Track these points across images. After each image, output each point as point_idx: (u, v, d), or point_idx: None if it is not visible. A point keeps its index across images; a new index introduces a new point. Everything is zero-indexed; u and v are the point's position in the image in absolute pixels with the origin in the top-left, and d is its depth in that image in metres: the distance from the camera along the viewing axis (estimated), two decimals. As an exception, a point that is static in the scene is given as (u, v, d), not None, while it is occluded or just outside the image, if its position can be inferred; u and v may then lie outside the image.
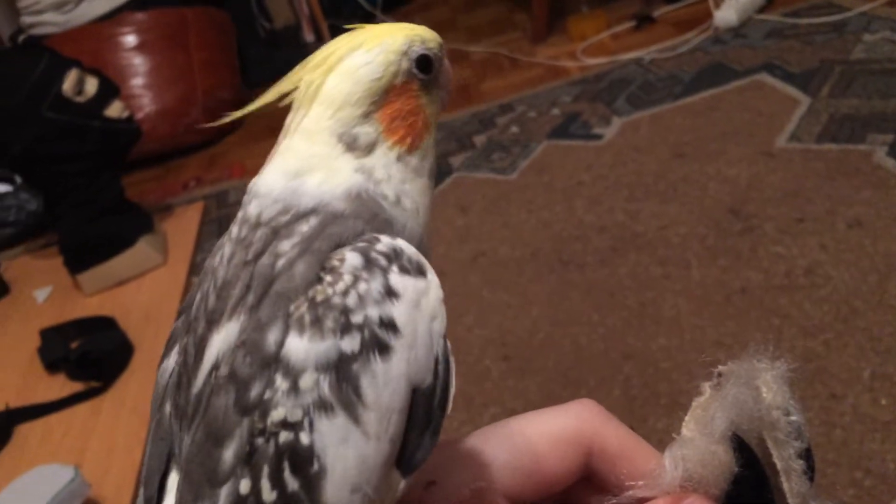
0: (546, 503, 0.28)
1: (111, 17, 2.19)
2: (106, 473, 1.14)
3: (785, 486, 0.26)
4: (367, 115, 0.29)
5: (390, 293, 0.25)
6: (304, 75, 0.30)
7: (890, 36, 1.62)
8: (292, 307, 0.25)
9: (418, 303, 0.26)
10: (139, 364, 1.38)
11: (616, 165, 1.51)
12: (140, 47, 2.19)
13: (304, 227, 0.27)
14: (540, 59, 2.11)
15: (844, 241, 1.14)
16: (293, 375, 0.24)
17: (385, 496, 0.24)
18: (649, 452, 0.27)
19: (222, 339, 0.26)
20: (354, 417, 0.23)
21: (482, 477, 0.27)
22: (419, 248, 0.28)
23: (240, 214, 0.29)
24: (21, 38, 2.16)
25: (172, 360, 0.29)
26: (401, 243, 0.27)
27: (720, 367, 0.29)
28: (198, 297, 0.28)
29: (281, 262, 0.26)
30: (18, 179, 1.86)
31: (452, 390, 0.26)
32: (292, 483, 0.23)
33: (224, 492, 0.24)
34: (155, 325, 1.47)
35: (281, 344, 0.24)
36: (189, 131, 2.22)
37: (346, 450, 0.23)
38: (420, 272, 0.26)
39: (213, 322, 0.27)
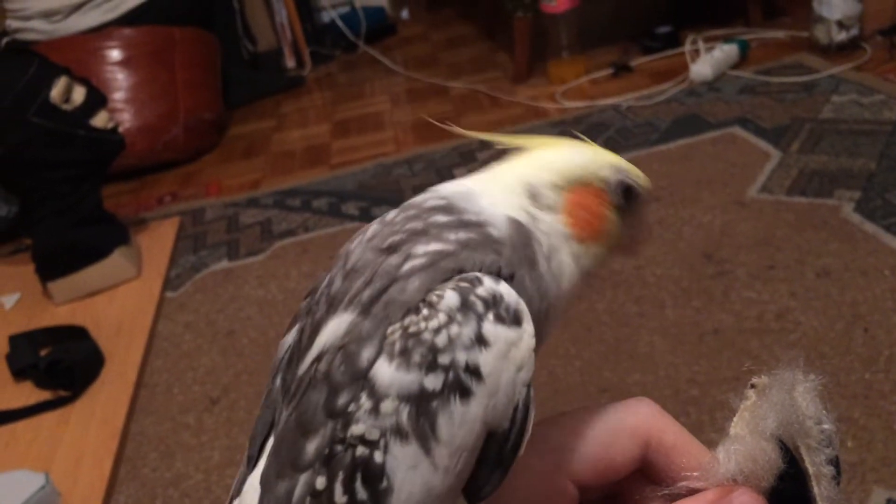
0: (604, 491, 0.30)
1: (98, 31, 2.19)
2: (74, 484, 1.13)
3: (815, 490, 0.29)
4: (556, 187, 0.31)
5: (480, 341, 0.26)
6: (527, 141, 0.33)
7: (857, 98, 1.70)
8: (390, 329, 0.26)
9: (507, 353, 0.26)
10: (110, 375, 1.36)
11: (594, 205, 1.55)
12: (125, 62, 2.19)
13: (452, 237, 0.28)
14: (520, 98, 2.16)
15: (813, 289, 1.19)
16: (376, 398, 0.25)
17: None
18: (701, 448, 0.29)
19: (332, 330, 0.28)
20: (426, 449, 0.25)
21: (553, 461, 0.29)
22: (543, 309, 0.29)
23: (404, 204, 0.31)
24: (5, 41, 2.15)
25: (290, 338, 0.31)
26: (503, 289, 0.27)
27: (754, 379, 0.31)
28: (325, 280, 0.30)
29: (406, 267, 0.28)
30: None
31: (528, 435, 0.27)
32: (362, 493, 0.25)
33: (302, 479, 0.26)
34: (127, 337, 1.46)
35: (372, 363, 0.26)
36: (168, 149, 2.22)
37: (415, 476, 0.25)
38: (516, 321, 0.27)
39: (331, 307, 0.28)
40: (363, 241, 0.30)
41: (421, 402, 0.25)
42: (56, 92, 1.47)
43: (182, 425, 1.24)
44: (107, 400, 1.30)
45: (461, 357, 0.25)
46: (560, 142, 0.33)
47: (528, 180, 0.31)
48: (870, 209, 1.33)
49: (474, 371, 0.26)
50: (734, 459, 0.27)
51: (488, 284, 0.27)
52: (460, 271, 0.27)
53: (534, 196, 0.31)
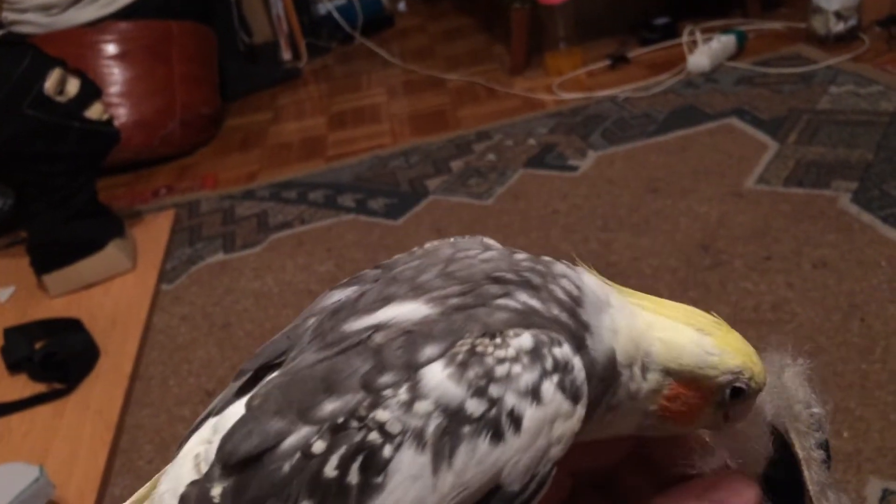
0: (596, 477, 0.30)
1: (95, 25, 2.18)
2: (69, 476, 1.13)
3: (805, 474, 0.28)
4: (664, 373, 0.29)
5: (535, 394, 0.25)
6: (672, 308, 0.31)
7: (854, 89, 1.69)
8: (460, 342, 0.26)
9: (553, 421, 0.25)
10: (105, 368, 1.36)
11: (591, 196, 1.54)
12: (122, 56, 2.18)
13: (555, 311, 0.27)
14: (517, 90, 2.15)
15: (810, 280, 1.19)
16: (415, 394, 0.25)
17: None
18: (694, 434, 0.29)
19: (405, 311, 0.27)
20: (435, 468, 0.24)
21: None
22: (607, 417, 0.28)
23: (544, 259, 0.30)
24: (0, 33, 2.14)
25: (343, 294, 0.30)
26: (577, 363, 0.26)
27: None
28: (407, 262, 0.30)
29: (500, 302, 0.27)
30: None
31: None
32: (353, 477, 0.24)
33: (303, 432, 0.25)
34: (122, 330, 1.45)
35: (429, 361, 0.25)
36: (164, 143, 2.21)
37: (411, 487, 0.24)
38: (574, 397, 0.26)
39: (414, 290, 0.28)
40: (475, 257, 0.29)
41: (453, 420, 0.24)
42: (50, 84, 1.47)
43: (177, 418, 1.24)
44: (102, 392, 1.30)
45: (511, 399, 0.25)
46: (684, 314, 0.31)
47: (643, 349, 0.29)
48: (867, 200, 1.32)
49: (516, 420, 0.25)
50: (729, 446, 0.27)
51: (566, 350, 0.26)
52: (537, 328, 0.27)
53: (645, 363, 0.29)
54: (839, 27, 1.89)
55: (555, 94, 2.05)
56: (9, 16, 2.19)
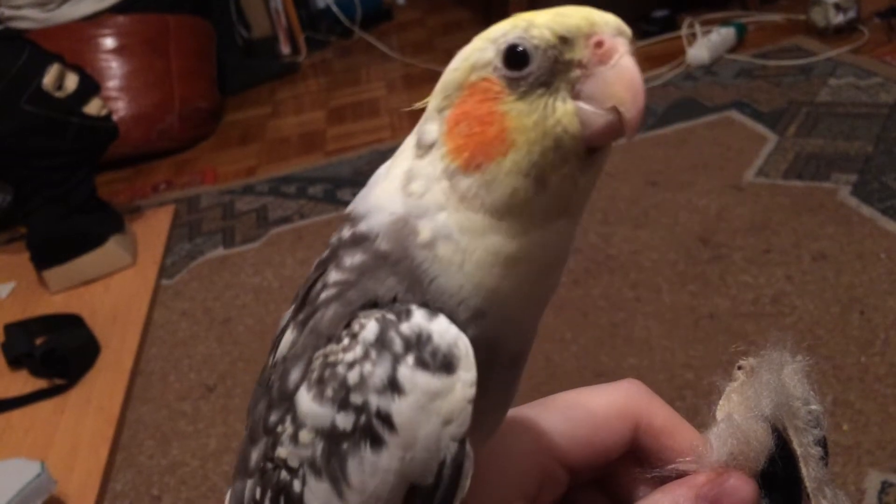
0: (594, 474, 0.30)
1: (92, 19, 2.17)
2: (70, 471, 1.13)
3: (803, 470, 0.28)
4: (440, 111, 0.25)
5: (394, 387, 0.23)
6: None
7: (854, 81, 1.69)
8: (315, 354, 0.25)
9: (427, 404, 0.23)
10: (105, 363, 1.36)
11: (590, 190, 1.54)
12: (119, 50, 2.17)
13: (348, 262, 0.25)
14: (516, 83, 2.15)
15: (809, 272, 1.19)
16: (296, 425, 0.24)
17: None
18: (691, 430, 0.29)
19: (285, 341, 0.27)
20: (338, 491, 0.23)
21: (542, 444, 0.28)
22: (465, 312, 0.24)
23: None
24: (-3, 29, 2.13)
25: (284, 319, 0.29)
26: (435, 326, 0.23)
27: (741, 361, 0.31)
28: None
29: (323, 296, 0.26)
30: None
31: (462, 494, 0.24)
32: None
33: (249, 484, 0.27)
34: (122, 325, 1.45)
35: (297, 387, 0.25)
36: (162, 137, 2.21)
37: None
38: (444, 368, 0.23)
39: (293, 313, 0.28)
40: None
41: (332, 441, 0.23)
42: (48, 79, 1.46)
43: (178, 413, 1.24)
44: (102, 388, 1.30)
45: (373, 401, 0.23)
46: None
47: (421, 121, 0.25)
48: (866, 192, 1.32)
49: (385, 419, 0.23)
50: (729, 443, 0.27)
51: (416, 320, 0.23)
52: (374, 301, 0.24)
53: (419, 140, 0.25)
54: (839, 19, 1.89)
55: (554, 87, 2.05)
56: (5, 11, 2.19)
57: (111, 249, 1.62)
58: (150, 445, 1.19)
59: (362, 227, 0.25)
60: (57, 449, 1.18)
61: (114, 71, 2.16)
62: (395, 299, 0.24)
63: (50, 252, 1.57)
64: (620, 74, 0.24)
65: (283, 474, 0.25)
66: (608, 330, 1.18)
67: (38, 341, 1.39)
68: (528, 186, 0.23)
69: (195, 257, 1.66)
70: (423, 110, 0.27)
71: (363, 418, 0.23)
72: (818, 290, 1.15)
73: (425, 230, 0.24)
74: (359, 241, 0.25)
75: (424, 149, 0.25)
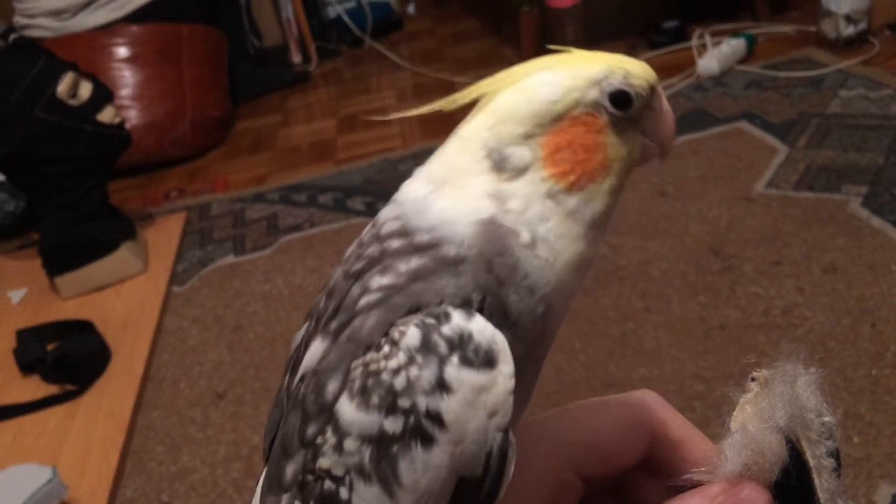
0: (608, 483, 0.30)
1: (106, 28, 2.19)
2: (81, 477, 1.13)
3: (816, 482, 0.28)
4: (528, 137, 0.27)
5: (442, 386, 0.24)
6: (486, 85, 0.29)
7: (865, 93, 1.69)
8: (353, 364, 0.25)
9: (474, 400, 0.24)
10: (116, 370, 1.37)
11: (600, 200, 1.54)
12: (132, 59, 2.19)
13: (403, 268, 0.26)
14: (526, 93, 2.15)
15: (820, 284, 1.18)
16: (340, 434, 0.25)
17: None
18: (706, 441, 0.29)
19: (312, 352, 0.27)
20: (389, 493, 0.24)
21: (558, 452, 0.29)
22: (540, 312, 0.26)
23: (381, 211, 0.29)
24: (12, 37, 2.15)
25: (300, 334, 0.30)
26: (474, 326, 0.25)
27: (754, 373, 0.31)
28: (331, 281, 0.29)
29: (363, 302, 0.26)
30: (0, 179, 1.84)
31: (507, 480, 0.25)
32: None
33: (285, 499, 0.26)
34: (133, 332, 1.46)
35: (336, 397, 0.25)
36: (174, 145, 2.22)
37: None
38: (487, 363, 0.24)
39: (317, 326, 0.28)
40: (344, 261, 0.29)
41: (381, 445, 0.24)
42: (63, 87, 1.48)
43: (188, 419, 1.24)
44: (113, 394, 1.31)
45: (422, 402, 0.24)
46: (521, 71, 0.28)
47: (488, 145, 0.27)
48: (877, 204, 1.32)
49: (436, 418, 0.24)
50: (743, 454, 0.27)
51: (456, 321, 0.24)
52: (418, 307, 0.25)
53: (499, 163, 0.27)
54: (849, 30, 1.89)
55: (564, 97, 2.06)
56: (20, 20, 2.21)
57: (123, 256, 1.63)
58: (160, 452, 1.19)
59: (423, 237, 0.26)
60: (68, 454, 1.19)
61: (127, 79, 2.18)
62: (441, 302, 0.25)
63: (61, 258, 1.59)
64: (669, 117, 0.30)
65: (328, 484, 0.25)
66: (618, 340, 1.18)
67: (50, 347, 1.40)
68: (614, 203, 0.28)
69: (206, 264, 1.67)
70: (433, 119, 0.29)
71: (412, 420, 0.24)
72: (829, 301, 1.15)
73: (526, 234, 0.26)
74: (419, 248, 0.26)
75: (514, 171, 0.27)
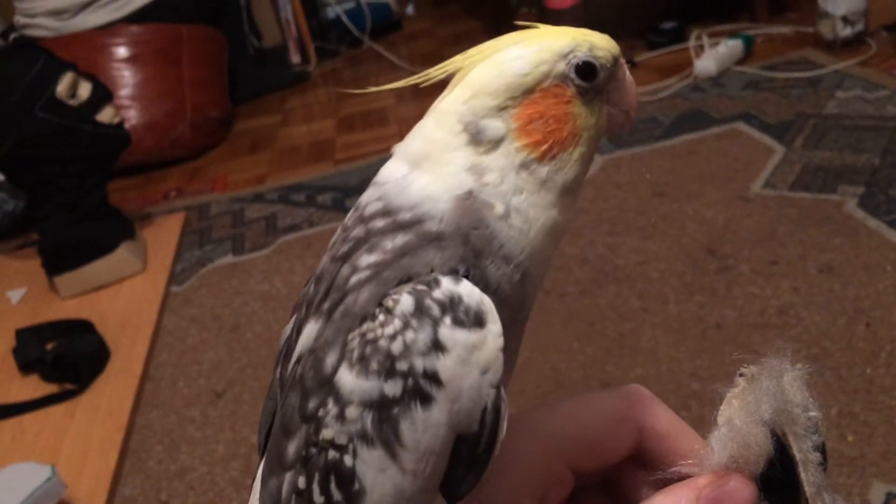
0: (599, 476, 0.31)
1: (106, 28, 2.19)
2: (80, 476, 1.14)
3: (802, 476, 0.29)
4: (501, 109, 0.28)
5: (437, 346, 0.25)
6: (460, 61, 0.30)
7: (861, 94, 1.69)
8: (350, 336, 0.26)
9: (468, 357, 0.25)
10: (115, 369, 1.37)
11: (598, 200, 1.55)
12: (132, 59, 2.19)
13: (389, 245, 0.27)
14: (524, 94, 2.16)
15: (816, 284, 1.19)
16: (341, 404, 0.26)
17: None
18: (693, 435, 0.30)
19: (307, 334, 0.28)
20: (392, 454, 0.25)
21: (549, 446, 0.29)
22: (517, 278, 0.28)
23: (358, 200, 0.31)
24: (12, 36, 2.16)
25: (288, 329, 0.31)
26: (463, 289, 0.26)
27: (743, 369, 0.32)
28: (317, 270, 0.30)
29: (354, 280, 0.27)
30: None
31: (501, 435, 0.26)
32: (337, 495, 0.26)
33: (287, 477, 0.27)
34: (132, 331, 1.47)
35: (336, 370, 0.26)
36: (174, 146, 2.23)
37: (384, 479, 0.25)
38: (477, 323, 0.26)
39: (307, 311, 0.29)
40: (331, 246, 0.30)
41: (382, 409, 0.25)
42: (62, 87, 1.48)
43: (187, 418, 1.25)
44: (112, 393, 1.31)
45: (419, 363, 0.25)
46: (492, 45, 0.29)
47: (464, 119, 0.28)
48: (873, 205, 1.33)
49: (433, 377, 0.25)
50: (728, 446, 0.28)
51: (446, 286, 0.26)
52: (408, 278, 0.27)
53: (475, 136, 0.28)
54: (846, 32, 1.89)
55: (562, 98, 2.06)
56: (20, 20, 2.21)
57: (122, 256, 1.63)
58: (159, 451, 1.20)
59: (405, 215, 0.28)
60: (67, 453, 1.20)
61: (126, 80, 2.18)
62: (432, 271, 0.26)
63: (61, 258, 1.59)
64: (632, 86, 0.31)
65: (332, 454, 0.26)
66: (615, 340, 1.18)
67: (49, 346, 1.40)
68: (584, 170, 0.30)
69: (205, 264, 1.67)
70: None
71: (410, 381, 0.25)
72: (824, 301, 1.15)
73: (500, 206, 0.28)
74: (403, 226, 0.27)
75: (490, 143, 0.28)
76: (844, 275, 1.19)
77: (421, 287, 0.26)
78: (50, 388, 1.34)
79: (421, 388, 0.25)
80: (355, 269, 0.27)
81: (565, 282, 1.33)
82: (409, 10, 3.24)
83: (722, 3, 2.32)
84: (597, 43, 0.29)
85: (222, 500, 1.09)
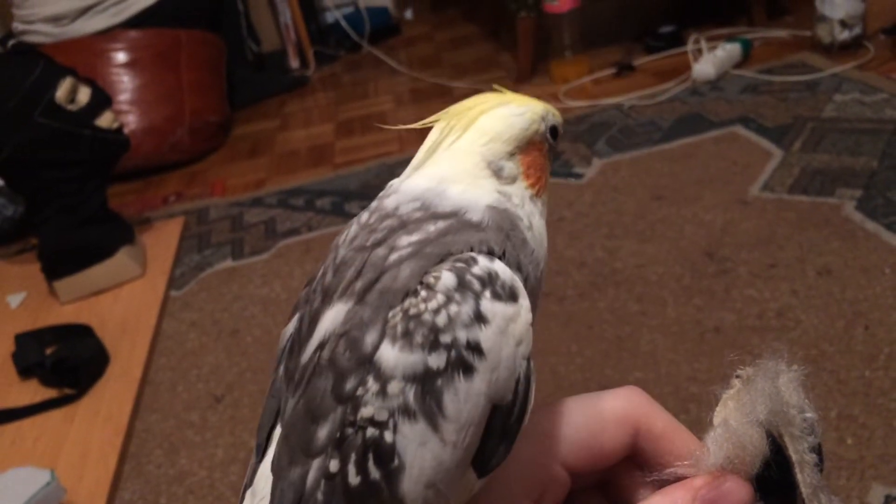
0: (595, 477, 0.31)
1: (105, 33, 2.20)
2: (79, 480, 1.14)
3: (798, 477, 0.29)
4: (512, 155, 0.33)
5: (479, 318, 0.27)
6: (455, 110, 0.34)
7: (859, 97, 1.70)
8: (391, 314, 0.27)
9: (506, 329, 0.27)
10: (114, 374, 1.37)
11: (596, 204, 1.55)
12: (131, 64, 2.20)
13: (431, 227, 0.29)
14: (523, 98, 2.16)
15: (814, 287, 1.19)
16: (383, 380, 0.26)
17: (460, 494, 0.27)
18: (689, 436, 0.30)
19: (331, 319, 0.28)
20: (434, 426, 0.26)
21: (545, 447, 0.30)
22: (537, 279, 0.31)
23: (373, 204, 0.32)
24: (11, 42, 2.16)
25: (291, 327, 0.32)
26: (498, 266, 0.28)
27: (739, 371, 0.32)
28: (321, 270, 0.31)
29: (393, 257, 0.28)
30: (-1, 184, 1.85)
31: (531, 406, 0.28)
32: (375, 473, 0.26)
33: (315, 464, 0.27)
34: (131, 336, 1.47)
35: (377, 347, 0.27)
36: (173, 150, 2.23)
37: (424, 452, 0.26)
38: (512, 297, 0.28)
39: (326, 298, 0.29)
40: (346, 242, 0.31)
41: (426, 381, 0.26)
42: (61, 92, 1.49)
43: (186, 423, 1.25)
44: (112, 398, 1.31)
45: (462, 335, 0.26)
46: (487, 101, 0.34)
47: (486, 157, 0.32)
48: (871, 208, 1.33)
49: (475, 348, 0.26)
50: (724, 447, 0.28)
51: (483, 263, 0.28)
52: (449, 254, 0.28)
53: (497, 171, 0.32)
54: (844, 35, 1.90)
55: (560, 101, 2.07)
56: (19, 26, 2.22)
57: (121, 260, 1.63)
58: (159, 455, 1.20)
59: (441, 209, 0.30)
60: (66, 458, 1.20)
61: (125, 84, 2.19)
62: (471, 250, 0.29)
63: (60, 263, 1.59)
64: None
65: (371, 431, 0.26)
66: (614, 343, 1.19)
67: (49, 351, 1.40)
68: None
69: (204, 269, 1.67)
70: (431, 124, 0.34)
71: (454, 353, 0.26)
72: (823, 304, 1.16)
73: (526, 220, 0.32)
74: (443, 216, 0.30)
75: (507, 179, 0.33)
76: (843, 277, 1.20)
77: (460, 264, 0.28)
78: (49, 393, 1.34)
79: (464, 359, 0.26)
80: (393, 249, 0.29)
81: (564, 285, 1.33)
82: (408, 14, 3.24)
83: (720, 8, 2.33)
84: (555, 111, 0.35)
85: (221, 503, 1.09)
